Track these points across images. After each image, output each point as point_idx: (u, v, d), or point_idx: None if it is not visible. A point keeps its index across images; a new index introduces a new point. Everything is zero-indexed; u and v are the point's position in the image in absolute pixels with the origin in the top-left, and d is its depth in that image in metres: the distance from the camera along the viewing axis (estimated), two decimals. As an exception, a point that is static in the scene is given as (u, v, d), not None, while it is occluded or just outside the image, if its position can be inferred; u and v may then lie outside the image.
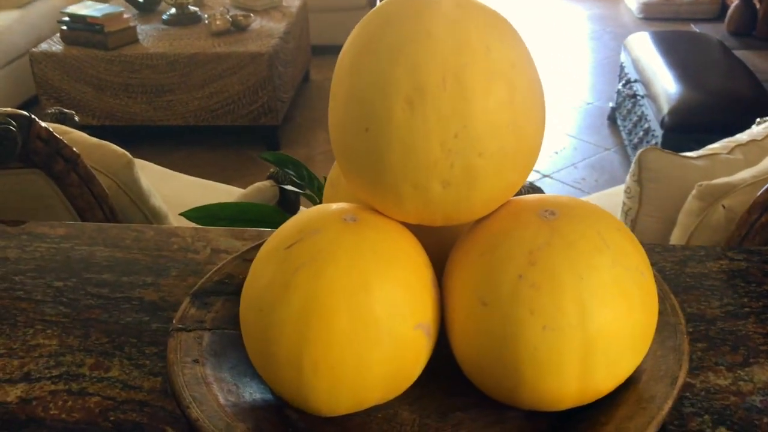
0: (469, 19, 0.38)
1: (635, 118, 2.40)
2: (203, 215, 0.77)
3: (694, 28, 3.10)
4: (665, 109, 2.06)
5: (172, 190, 1.50)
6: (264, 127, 2.71)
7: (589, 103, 3.08)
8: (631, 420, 0.40)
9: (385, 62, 0.37)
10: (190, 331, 0.47)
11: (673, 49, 2.46)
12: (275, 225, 0.78)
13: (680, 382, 0.42)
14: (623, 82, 2.52)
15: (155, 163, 1.74)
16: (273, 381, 0.41)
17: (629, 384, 0.43)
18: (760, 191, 0.81)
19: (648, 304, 0.40)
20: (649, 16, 4.09)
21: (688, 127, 2.00)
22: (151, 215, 0.99)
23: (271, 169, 1.18)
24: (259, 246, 0.56)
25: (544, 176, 2.49)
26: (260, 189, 1.08)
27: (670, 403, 0.41)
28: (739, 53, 2.54)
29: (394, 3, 0.40)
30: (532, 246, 0.39)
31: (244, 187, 2.16)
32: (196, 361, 0.45)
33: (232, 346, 0.47)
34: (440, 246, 0.45)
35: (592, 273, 0.38)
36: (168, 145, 2.77)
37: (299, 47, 3.05)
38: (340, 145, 0.41)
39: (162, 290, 0.59)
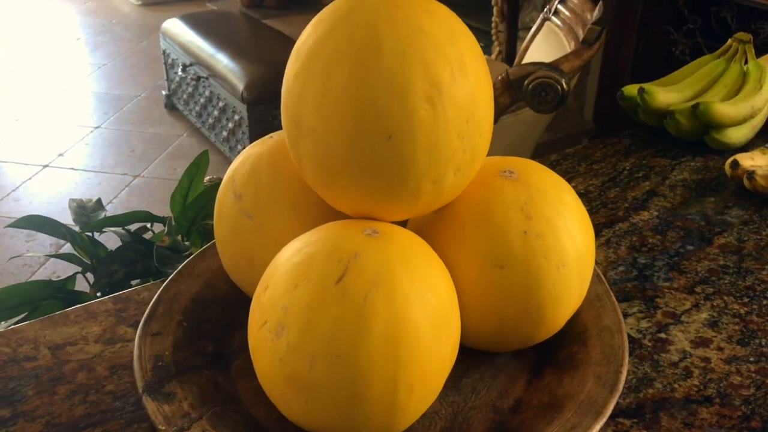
0: (434, 6, 0.40)
1: (203, 100, 2.45)
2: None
3: (211, 6, 3.25)
4: (240, 85, 2.16)
5: None
6: None
7: (137, 96, 3.01)
8: (601, 319, 0.49)
9: (395, 66, 0.37)
10: (188, 429, 0.40)
11: (214, 28, 2.56)
12: (52, 300, 0.63)
13: (602, 276, 0.52)
14: (179, 68, 2.54)
15: None
16: (361, 424, 0.38)
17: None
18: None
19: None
20: (149, 2, 4.11)
21: (269, 97, 2.14)
22: None
23: None
24: (153, 312, 0.48)
25: (137, 177, 2.40)
26: None
27: (614, 296, 0.51)
28: (267, 22, 2.77)
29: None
30: (520, 203, 0.44)
31: None
32: (231, 454, 0.38)
33: (235, 421, 0.41)
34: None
35: (567, 210, 0.45)
36: None
37: None
38: (348, 161, 0.38)
39: (36, 416, 0.46)
